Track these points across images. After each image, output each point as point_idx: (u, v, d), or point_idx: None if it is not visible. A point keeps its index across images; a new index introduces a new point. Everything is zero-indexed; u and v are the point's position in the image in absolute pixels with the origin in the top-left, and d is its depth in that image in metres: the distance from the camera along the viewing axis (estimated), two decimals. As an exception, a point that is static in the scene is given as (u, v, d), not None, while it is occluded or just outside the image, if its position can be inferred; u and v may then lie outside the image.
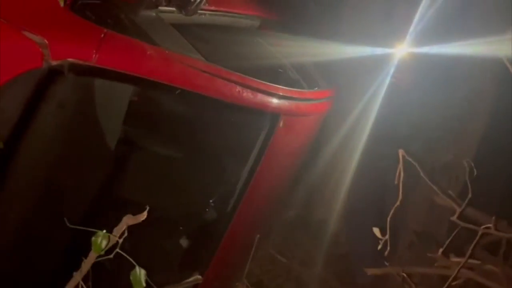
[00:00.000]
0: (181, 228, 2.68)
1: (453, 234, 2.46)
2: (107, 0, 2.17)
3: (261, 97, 2.42)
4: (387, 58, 2.63)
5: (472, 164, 2.15)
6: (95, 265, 1.92)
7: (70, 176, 2.14)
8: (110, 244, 1.82)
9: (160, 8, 2.25)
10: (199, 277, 2.68)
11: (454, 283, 2.43)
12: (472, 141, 2.75)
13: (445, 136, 2.73)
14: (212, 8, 2.53)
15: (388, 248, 2.14)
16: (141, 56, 2.06)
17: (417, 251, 3.08)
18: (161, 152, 2.56)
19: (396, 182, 2.17)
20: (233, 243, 2.70)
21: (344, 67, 2.71)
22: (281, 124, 2.51)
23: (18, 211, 2.04)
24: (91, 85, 2.07)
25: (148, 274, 1.87)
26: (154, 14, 2.25)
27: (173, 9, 2.26)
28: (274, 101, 2.47)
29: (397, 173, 2.15)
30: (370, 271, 2.70)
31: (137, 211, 1.91)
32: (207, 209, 2.69)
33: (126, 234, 1.80)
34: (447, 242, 2.51)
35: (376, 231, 2.19)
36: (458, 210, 2.18)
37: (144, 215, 1.82)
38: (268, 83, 2.43)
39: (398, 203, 2.11)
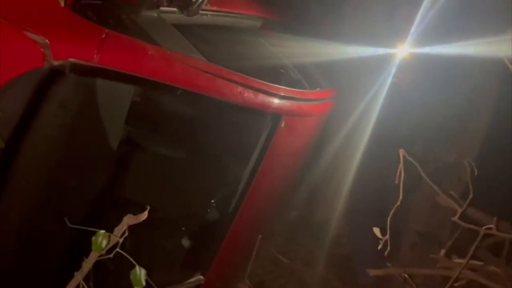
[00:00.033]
0: (183, 228, 2.68)
1: (455, 235, 2.46)
2: (108, 0, 2.17)
3: (262, 98, 2.42)
4: (389, 58, 2.63)
5: (473, 164, 2.15)
6: (97, 265, 1.93)
7: (72, 176, 2.15)
8: (111, 244, 1.82)
9: (162, 8, 2.26)
10: (201, 277, 2.68)
11: (456, 284, 2.42)
12: (474, 141, 2.74)
13: (447, 136, 2.73)
14: (214, 8, 2.54)
15: (389, 248, 2.13)
16: (142, 56, 2.06)
17: (420, 252, 3.06)
18: (163, 152, 2.56)
19: (396, 182, 2.17)
20: (235, 243, 2.70)
21: (346, 68, 2.71)
22: (282, 124, 2.51)
23: (19, 211, 2.05)
24: (93, 85, 2.08)
25: (150, 274, 1.87)
26: (155, 14, 2.26)
27: (175, 9, 2.26)
28: (276, 101, 2.47)
29: (398, 173, 2.14)
30: (372, 272, 2.70)
31: (139, 211, 1.91)
32: (209, 210, 2.69)
33: (126, 234, 1.80)
34: (449, 243, 2.51)
35: (377, 231, 2.18)
36: (459, 210, 2.17)
37: (144, 215, 1.82)
38: (269, 84, 2.43)
39: (398, 203, 2.10)
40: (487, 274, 2.47)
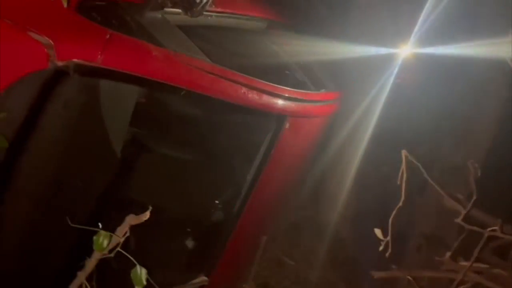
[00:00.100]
0: (187, 229, 2.69)
1: (461, 238, 2.44)
2: (112, 1, 2.18)
3: (267, 99, 2.42)
4: (392, 58, 2.62)
5: (477, 165, 2.13)
6: (101, 265, 1.94)
7: (76, 176, 2.16)
8: (114, 243, 1.83)
9: (166, 9, 2.26)
10: (205, 278, 2.68)
11: (461, 287, 2.40)
12: (481, 142, 2.72)
13: (453, 138, 2.71)
14: (218, 9, 2.54)
15: (390, 249, 2.12)
16: (146, 57, 2.07)
17: (426, 255, 3.05)
18: (167, 153, 2.57)
19: (399, 182, 2.16)
20: (239, 244, 2.70)
21: (351, 68, 2.70)
22: (287, 125, 2.51)
23: (24, 210, 2.06)
24: (97, 86, 2.09)
25: (155, 275, 1.88)
26: (159, 15, 2.26)
27: (179, 10, 2.26)
28: (281, 102, 2.47)
29: (400, 174, 2.13)
30: (377, 274, 2.68)
31: (143, 212, 1.92)
32: (213, 210, 2.69)
33: (128, 234, 1.80)
34: (455, 246, 2.49)
35: (378, 232, 2.17)
36: (463, 212, 2.15)
37: (146, 215, 1.83)
38: (274, 85, 2.43)
39: (400, 204, 2.09)
40: (493, 277, 2.45)
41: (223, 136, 2.60)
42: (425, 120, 2.65)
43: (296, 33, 2.84)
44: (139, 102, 2.35)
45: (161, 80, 2.11)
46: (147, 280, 1.72)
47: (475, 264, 2.46)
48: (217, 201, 2.68)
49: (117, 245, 1.80)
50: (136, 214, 1.92)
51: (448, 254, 2.46)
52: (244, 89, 2.34)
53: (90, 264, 1.87)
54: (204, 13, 2.33)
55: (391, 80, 2.58)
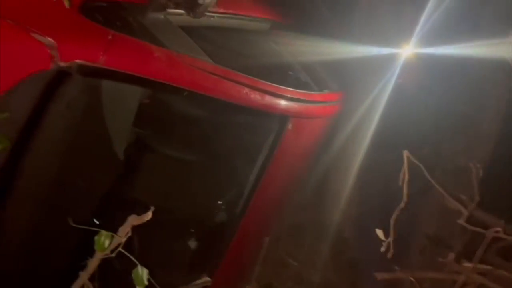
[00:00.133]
0: (190, 230, 2.69)
1: (464, 239, 2.43)
2: (115, 2, 2.19)
3: (270, 99, 2.42)
4: (395, 58, 2.61)
5: (478, 165, 2.12)
6: (104, 266, 1.94)
7: (79, 176, 2.17)
8: (116, 244, 1.83)
9: (168, 10, 2.26)
10: (208, 279, 2.68)
11: (465, 288, 2.40)
12: (484, 143, 2.70)
13: (456, 139, 2.70)
14: (221, 10, 2.54)
15: (392, 250, 2.12)
16: (149, 58, 2.07)
17: (430, 256, 3.03)
18: (170, 153, 2.57)
19: (400, 183, 2.15)
20: (242, 244, 2.70)
21: (353, 68, 2.70)
22: (290, 126, 2.51)
23: (27, 210, 2.07)
24: (100, 86, 2.10)
25: (157, 275, 1.88)
26: (162, 16, 2.27)
27: (182, 11, 2.27)
28: (283, 103, 2.47)
29: (402, 174, 2.12)
30: (379, 276, 2.68)
31: (146, 212, 1.92)
32: (216, 211, 2.70)
33: (130, 234, 1.81)
34: (458, 247, 2.48)
35: (380, 233, 2.17)
36: (465, 213, 2.15)
37: (148, 216, 1.83)
38: (277, 85, 2.43)
39: (402, 205, 2.09)
40: (497, 278, 2.44)
41: (225, 137, 2.61)
42: (427, 120, 2.64)
43: (299, 34, 2.84)
44: (142, 102, 2.36)
45: (164, 81, 2.12)
46: (150, 280, 1.72)
47: (479, 266, 2.45)
48: (220, 202, 2.68)
49: (119, 245, 1.80)
50: (139, 214, 1.92)
51: (452, 255, 2.45)
52: (246, 90, 2.34)
53: (92, 264, 1.88)
54: (207, 14, 2.34)
55: (393, 80, 2.57)
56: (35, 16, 1.93)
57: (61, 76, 1.94)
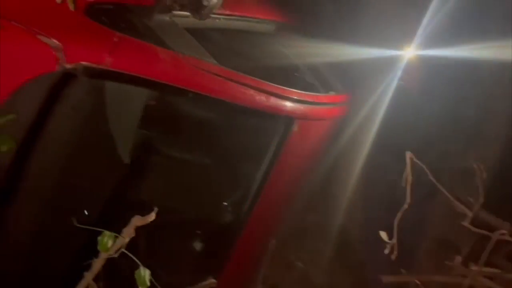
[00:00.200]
0: (196, 231, 2.69)
1: (471, 242, 2.41)
2: (121, 4, 2.20)
3: (275, 101, 2.42)
4: (400, 60, 2.60)
5: (482, 167, 2.10)
6: (109, 267, 1.95)
7: (84, 177, 2.18)
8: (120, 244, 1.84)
9: (174, 12, 2.27)
10: (213, 280, 2.68)
11: (472, 292, 2.38)
12: (491, 145, 2.69)
13: (462, 141, 2.68)
14: (227, 12, 2.54)
15: (396, 252, 2.10)
16: (154, 60, 2.08)
17: (436, 259, 3.01)
18: (176, 155, 2.58)
19: (403, 185, 2.14)
20: (247, 246, 2.70)
21: (359, 70, 2.69)
22: (295, 128, 2.51)
23: (32, 211, 2.08)
24: (105, 88, 2.11)
25: (163, 277, 1.88)
26: (168, 18, 2.27)
27: (187, 13, 2.28)
28: (289, 105, 2.46)
29: (405, 176, 2.11)
30: (386, 279, 2.67)
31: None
32: (222, 213, 2.69)
33: (133, 235, 1.81)
34: (465, 250, 2.46)
35: (384, 235, 2.16)
36: (469, 215, 2.13)
37: (152, 216, 1.84)
38: (283, 87, 2.43)
39: (406, 206, 2.07)
40: (504, 282, 2.41)
41: (231, 139, 2.61)
42: (432, 122, 2.62)
43: (305, 36, 2.83)
44: (148, 104, 2.36)
45: (169, 82, 2.13)
46: (153, 282, 1.73)
47: (485, 269, 2.43)
48: (225, 203, 2.68)
49: (129, 246, 1.81)
50: (144, 215, 1.93)
51: (459, 258, 2.43)
52: (252, 92, 2.34)
53: (97, 264, 1.88)
54: (212, 15, 2.34)
55: (396, 82, 2.56)
56: (40, 18, 1.94)
57: (67, 78, 1.95)
